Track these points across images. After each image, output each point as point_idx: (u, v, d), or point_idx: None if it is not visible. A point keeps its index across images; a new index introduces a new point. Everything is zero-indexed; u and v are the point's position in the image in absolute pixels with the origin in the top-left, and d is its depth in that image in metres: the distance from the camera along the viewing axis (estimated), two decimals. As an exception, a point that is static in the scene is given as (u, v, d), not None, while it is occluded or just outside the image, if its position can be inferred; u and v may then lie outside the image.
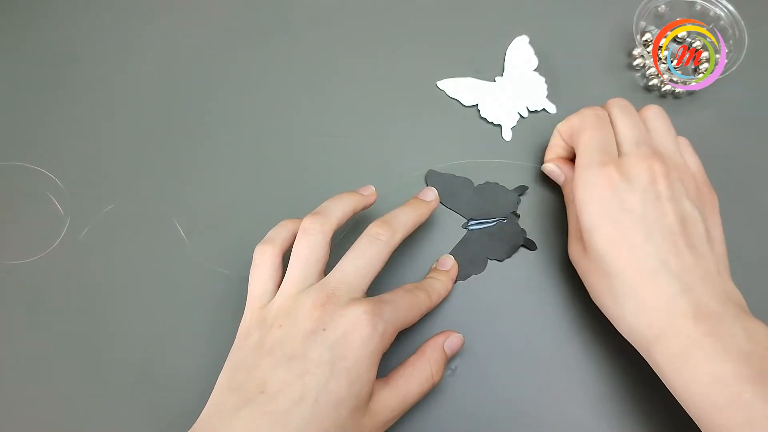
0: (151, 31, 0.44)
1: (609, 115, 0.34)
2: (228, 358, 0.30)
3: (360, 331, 0.28)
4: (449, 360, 0.33)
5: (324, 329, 0.28)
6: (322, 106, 0.42)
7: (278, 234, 0.33)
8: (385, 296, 0.30)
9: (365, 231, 0.31)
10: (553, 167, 0.37)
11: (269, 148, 0.40)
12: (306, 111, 0.41)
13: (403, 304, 0.31)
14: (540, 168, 0.38)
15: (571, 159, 0.37)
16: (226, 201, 0.38)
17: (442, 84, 0.42)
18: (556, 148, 0.37)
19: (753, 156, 0.40)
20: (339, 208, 0.32)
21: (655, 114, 0.34)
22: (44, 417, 0.33)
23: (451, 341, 0.32)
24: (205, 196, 0.39)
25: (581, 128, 0.34)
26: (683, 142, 0.35)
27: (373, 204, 0.35)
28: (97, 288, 0.36)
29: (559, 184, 0.37)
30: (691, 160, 0.34)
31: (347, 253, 0.31)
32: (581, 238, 0.32)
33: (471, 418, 0.33)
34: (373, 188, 0.35)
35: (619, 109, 0.34)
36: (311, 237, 0.31)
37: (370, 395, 0.28)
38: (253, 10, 0.45)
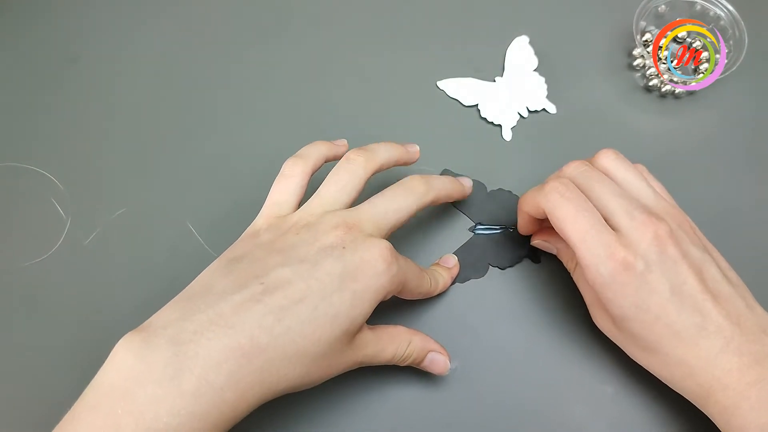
0: (151, 31, 0.44)
1: (575, 183, 0.31)
2: (225, 252, 0.30)
3: (376, 263, 0.28)
4: (420, 368, 0.32)
5: (344, 247, 0.28)
6: (322, 106, 0.42)
7: (311, 152, 0.33)
8: (401, 255, 0.30)
9: (402, 181, 0.32)
10: (542, 243, 0.35)
11: (269, 149, 0.40)
12: (306, 111, 0.41)
13: (413, 270, 0.31)
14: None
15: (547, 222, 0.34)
16: (229, 202, 0.38)
17: (442, 84, 0.42)
18: (527, 225, 0.35)
19: (753, 156, 0.40)
20: (385, 153, 0.33)
21: (614, 162, 0.32)
22: (44, 420, 0.33)
23: (437, 358, 0.32)
24: (206, 198, 0.39)
25: (560, 218, 0.30)
26: (643, 171, 0.33)
27: (415, 161, 0.35)
28: (98, 292, 0.36)
29: (554, 254, 0.36)
30: (659, 189, 0.33)
31: (381, 193, 0.31)
32: (606, 311, 0.31)
33: (466, 422, 0.33)
34: (418, 147, 0.35)
35: (588, 178, 0.31)
36: (353, 167, 0.31)
37: (359, 329, 0.28)
38: (254, 10, 0.45)
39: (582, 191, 0.31)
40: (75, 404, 0.25)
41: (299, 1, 0.45)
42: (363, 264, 0.28)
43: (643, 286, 0.28)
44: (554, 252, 0.35)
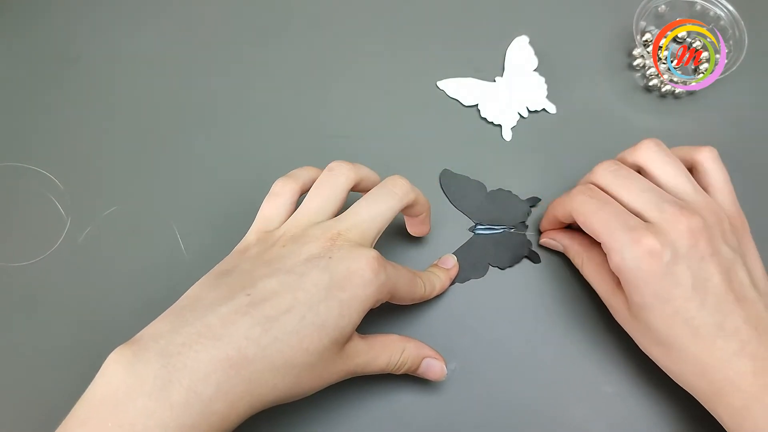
0: (151, 31, 0.44)
1: (602, 186, 0.31)
2: (215, 267, 0.30)
3: (363, 272, 0.28)
4: (416, 374, 0.32)
5: (330, 257, 0.28)
6: (321, 107, 0.42)
7: (301, 173, 0.33)
8: (391, 262, 0.30)
9: (383, 182, 0.31)
10: (549, 240, 0.36)
11: (269, 149, 0.40)
12: (306, 112, 0.41)
13: (404, 277, 0.31)
14: (552, 188, 0.38)
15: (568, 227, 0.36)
16: (227, 204, 0.38)
17: (442, 84, 0.42)
18: (551, 226, 0.36)
19: (753, 156, 0.40)
20: (367, 170, 0.33)
21: (654, 154, 0.32)
22: (43, 418, 0.33)
23: (433, 364, 0.32)
24: (204, 199, 0.39)
25: (583, 214, 0.31)
26: (711, 157, 0.32)
27: None
28: (96, 290, 0.36)
29: (561, 251, 0.36)
30: (719, 178, 0.32)
31: (363, 198, 0.31)
32: (623, 301, 0.31)
33: (466, 423, 0.33)
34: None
35: (614, 178, 0.31)
36: (335, 178, 0.31)
37: (349, 339, 0.28)
38: (253, 10, 0.45)
39: (610, 193, 0.31)
40: (66, 418, 0.25)
41: (299, 2, 0.45)
42: (350, 273, 0.28)
43: (667, 276, 0.28)
44: (561, 249, 0.35)
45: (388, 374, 0.31)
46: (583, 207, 0.31)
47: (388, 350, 0.30)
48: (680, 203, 0.29)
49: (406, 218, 0.35)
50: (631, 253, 0.28)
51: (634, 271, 0.29)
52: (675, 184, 0.31)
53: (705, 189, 0.32)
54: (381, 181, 0.33)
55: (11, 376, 0.34)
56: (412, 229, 0.36)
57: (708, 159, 0.32)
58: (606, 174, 0.31)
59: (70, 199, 0.39)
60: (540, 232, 0.37)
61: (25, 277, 0.37)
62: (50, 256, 0.37)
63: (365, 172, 0.33)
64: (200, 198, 0.39)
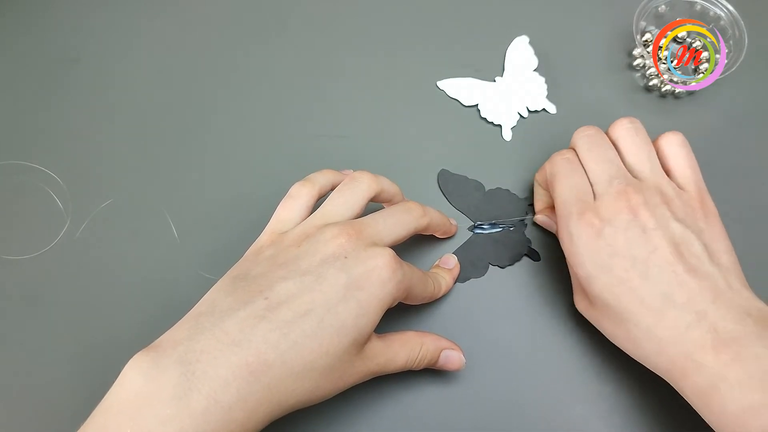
0: (152, 31, 0.44)
1: (577, 152, 0.33)
2: (229, 270, 0.30)
3: (380, 271, 0.28)
4: (436, 367, 0.32)
5: (346, 257, 0.28)
6: (321, 106, 0.42)
7: (319, 178, 0.33)
8: (404, 261, 0.30)
9: (399, 203, 0.33)
10: (544, 218, 0.36)
11: (267, 148, 0.40)
12: (305, 111, 0.42)
13: (417, 276, 0.31)
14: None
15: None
16: (224, 201, 0.38)
17: (442, 84, 0.42)
18: (541, 198, 0.37)
19: (753, 156, 0.40)
20: (387, 183, 0.33)
21: (625, 131, 0.33)
22: (41, 412, 0.33)
23: (451, 354, 0.32)
24: (201, 196, 0.39)
25: (553, 176, 0.33)
26: (674, 141, 0.32)
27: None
28: (96, 284, 0.36)
29: (554, 233, 0.36)
30: (679, 162, 0.32)
31: (379, 211, 0.31)
32: (584, 290, 0.31)
33: (465, 422, 0.33)
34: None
35: (586, 143, 0.33)
36: (358, 185, 0.32)
37: (368, 339, 0.28)
38: (253, 10, 0.45)
39: (580, 157, 0.33)
40: (83, 425, 0.25)
41: (299, 2, 0.45)
42: (367, 273, 0.28)
43: (604, 246, 0.29)
44: (554, 230, 0.36)
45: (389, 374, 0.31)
46: (555, 167, 0.33)
47: (407, 347, 0.30)
48: (629, 180, 0.30)
49: None
50: (573, 223, 0.30)
51: (574, 239, 0.30)
52: (634, 162, 0.32)
53: (668, 172, 0.32)
54: (401, 192, 0.34)
55: (10, 367, 0.34)
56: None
57: (667, 144, 0.33)
58: (580, 139, 0.33)
59: (70, 196, 0.39)
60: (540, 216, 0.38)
61: (26, 271, 0.37)
62: (51, 250, 0.37)
63: (386, 184, 0.33)
64: (197, 193, 0.39)
